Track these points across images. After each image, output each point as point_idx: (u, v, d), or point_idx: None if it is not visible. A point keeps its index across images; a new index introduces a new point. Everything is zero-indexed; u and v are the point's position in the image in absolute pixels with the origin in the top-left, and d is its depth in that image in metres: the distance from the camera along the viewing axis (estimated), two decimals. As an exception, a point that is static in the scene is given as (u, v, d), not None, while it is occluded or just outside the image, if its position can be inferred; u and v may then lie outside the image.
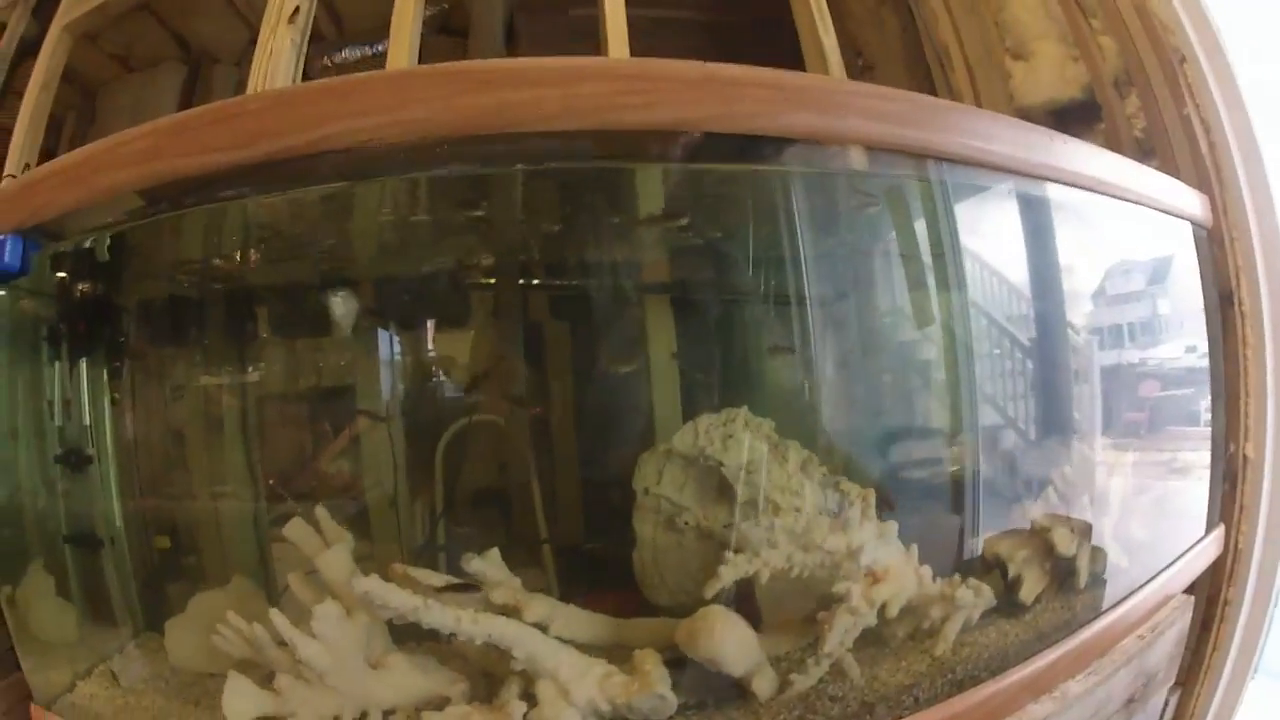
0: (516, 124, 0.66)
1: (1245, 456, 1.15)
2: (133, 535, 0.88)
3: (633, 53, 1.46)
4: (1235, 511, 1.15)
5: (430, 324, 0.84)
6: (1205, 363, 1.12)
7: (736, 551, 0.79)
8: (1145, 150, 1.18)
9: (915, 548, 0.80)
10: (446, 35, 1.35)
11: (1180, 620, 1.03)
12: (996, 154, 0.76)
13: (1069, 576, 0.90)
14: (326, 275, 0.83)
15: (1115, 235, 1.03)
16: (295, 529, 0.83)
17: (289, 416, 0.87)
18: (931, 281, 0.84)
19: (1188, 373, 1.17)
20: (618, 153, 0.73)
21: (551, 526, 0.87)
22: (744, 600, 0.82)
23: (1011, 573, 0.86)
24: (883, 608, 0.79)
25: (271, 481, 0.82)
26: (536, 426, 0.87)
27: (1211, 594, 1.17)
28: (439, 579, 0.79)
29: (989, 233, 0.83)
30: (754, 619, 0.81)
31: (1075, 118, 1.23)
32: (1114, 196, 0.92)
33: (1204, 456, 1.09)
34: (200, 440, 0.88)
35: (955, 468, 0.87)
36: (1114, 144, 1.20)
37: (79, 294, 0.88)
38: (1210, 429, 1.11)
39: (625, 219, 0.79)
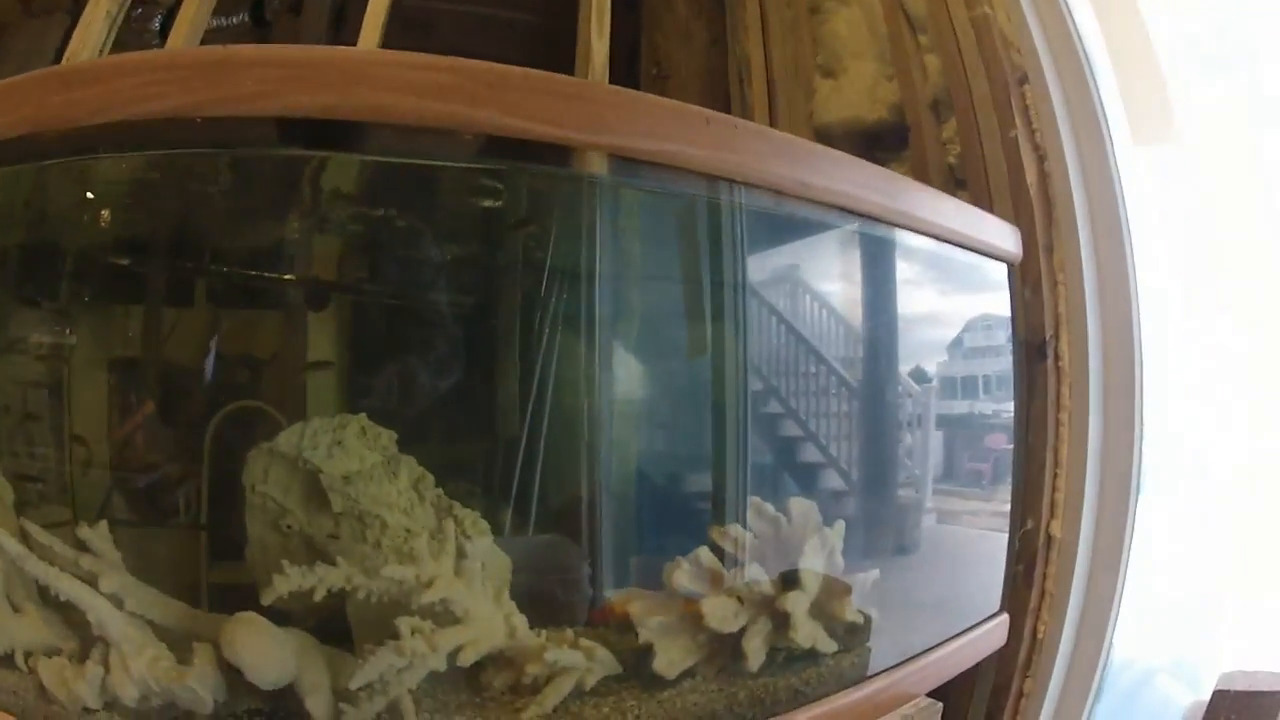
0: (78, 119, 0.58)
1: (1049, 535, 0.84)
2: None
3: (455, 47, 1.30)
4: (1034, 597, 0.85)
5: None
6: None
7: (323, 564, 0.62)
8: (958, 180, 0.89)
9: (506, 593, 0.60)
10: (294, 14, 1.24)
11: (916, 730, 0.74)
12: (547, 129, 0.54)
13: (736, 658, 0.65)
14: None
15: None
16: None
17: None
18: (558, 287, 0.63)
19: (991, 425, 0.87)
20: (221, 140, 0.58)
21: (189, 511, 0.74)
22: (335, 617, 0.65)
23: (642, 637, 0.63)
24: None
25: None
26: (185, 411, 0.73)
27: (999, 683, 0.88)
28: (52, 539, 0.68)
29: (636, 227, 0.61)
30: (345, 638, 0.64)
31: (884, 143, 0.95)
32: (846, 209, 0.67)
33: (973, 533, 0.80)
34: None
35: (600, 500, 0.65)
36: (920, 171, 0.93)
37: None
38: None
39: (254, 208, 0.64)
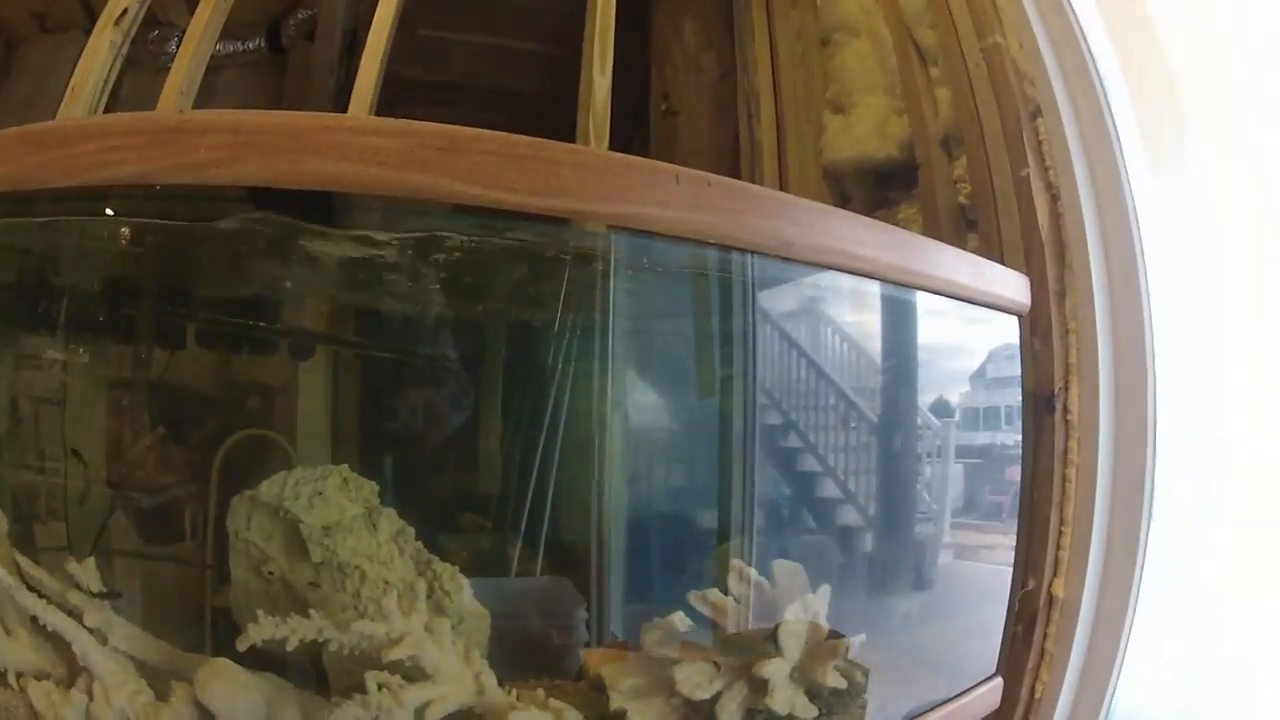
0: (49, 180, 0.57)
1: (1052, 595, 0.79)
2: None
3: (469, 79, 1.27)
4: (1033, 657, 0.80)
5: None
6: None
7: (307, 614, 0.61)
8: (969, 221, 0.83)
9: (478, 651, 0.57)
10: (310, 41, 1.23)
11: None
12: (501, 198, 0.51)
13: None
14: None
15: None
16: (-29, 499, 0.76)
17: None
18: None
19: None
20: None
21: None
22: (317, 660, 0.64)
23: (614, 703, 0.60)
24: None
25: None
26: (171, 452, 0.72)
27: None
28: (42, 572, 0.69)
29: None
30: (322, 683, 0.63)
31: (894, 182, 0.88)
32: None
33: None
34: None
35: (584, 558, 0.62)
36: (929, 212, 0.87)
37: None
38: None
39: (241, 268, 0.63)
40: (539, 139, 0.54)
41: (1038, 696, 0.85)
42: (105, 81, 1.00)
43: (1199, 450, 0.97)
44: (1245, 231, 1.04)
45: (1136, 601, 0.87)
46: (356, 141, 0.50)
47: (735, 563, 0.67)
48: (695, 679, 0.63)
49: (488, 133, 0.53)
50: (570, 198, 0.53)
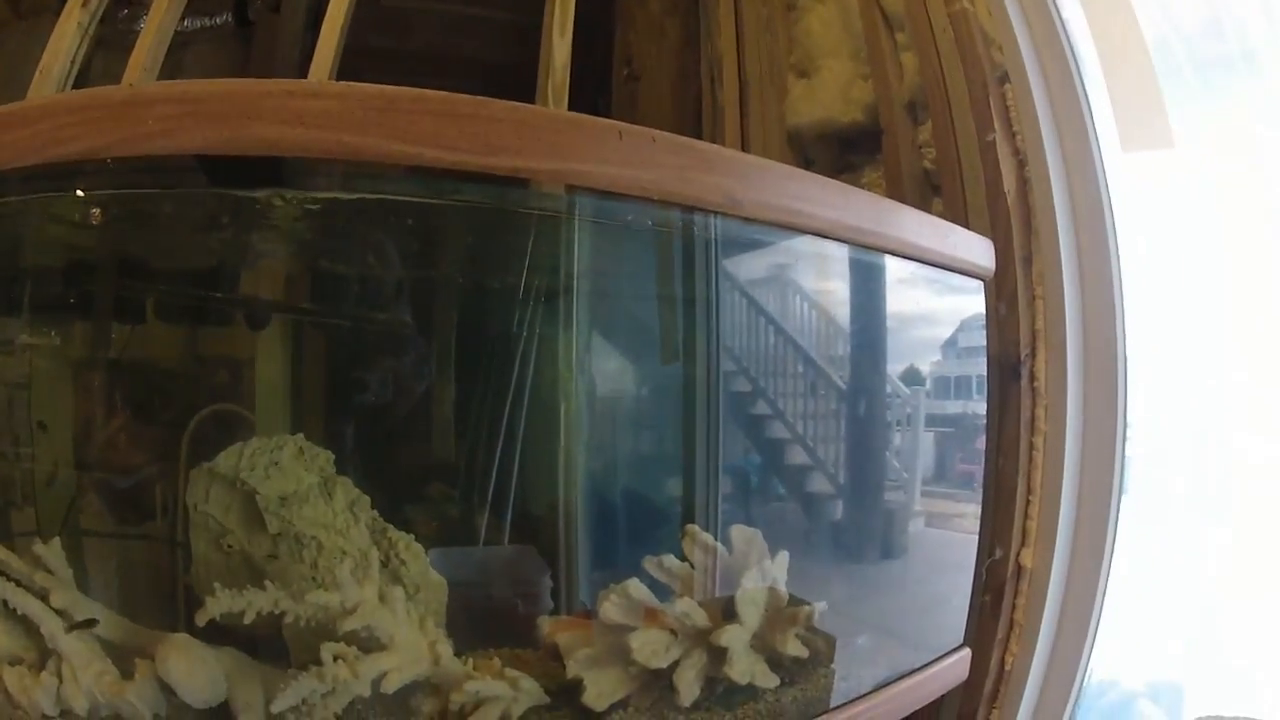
0: (10, 160, 0.56)
1: (1020, 565, 0.78)
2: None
3: (433, 47, 1.27)
4: (1002, 628, 0.80)
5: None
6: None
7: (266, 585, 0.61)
8: (934, 187, 0.82)
9: (432, 620, 0.57)
10: (275, 13, 1.22)
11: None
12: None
13: (669, 691, 0.62)
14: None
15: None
16: (-54, 481, 0.76)
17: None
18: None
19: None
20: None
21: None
22: (277, 634, 0.64)
23: (570, 671, 0.60)
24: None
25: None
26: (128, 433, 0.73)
27: (964, 714, 0.82)
28: (10, 554, 0.69)
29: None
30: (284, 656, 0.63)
31: (857, 146, 0.88)
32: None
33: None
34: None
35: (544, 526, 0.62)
36: (893, 176, 0.86)
37: None
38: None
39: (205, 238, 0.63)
40: (480, 98, 0.54)
41: (1008, 668, 0.85)
42: (73, 62, 1.00)
43: (1200, 449, 0.96)
44: (1240, 216, 1.03)
45: (1109, 572, 0.87)
46: (296, 105, 0.50)
47: (691, 528, 0.67)
48: (651, 647, 0.64)
49: (428, 92, 0.53)
50: (512, 155, 0.53)
